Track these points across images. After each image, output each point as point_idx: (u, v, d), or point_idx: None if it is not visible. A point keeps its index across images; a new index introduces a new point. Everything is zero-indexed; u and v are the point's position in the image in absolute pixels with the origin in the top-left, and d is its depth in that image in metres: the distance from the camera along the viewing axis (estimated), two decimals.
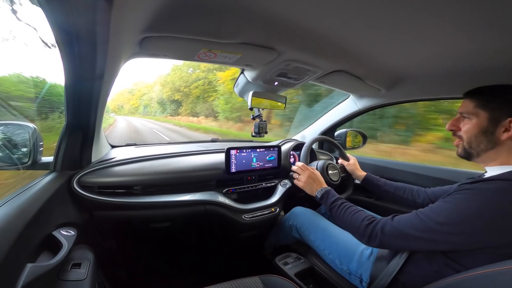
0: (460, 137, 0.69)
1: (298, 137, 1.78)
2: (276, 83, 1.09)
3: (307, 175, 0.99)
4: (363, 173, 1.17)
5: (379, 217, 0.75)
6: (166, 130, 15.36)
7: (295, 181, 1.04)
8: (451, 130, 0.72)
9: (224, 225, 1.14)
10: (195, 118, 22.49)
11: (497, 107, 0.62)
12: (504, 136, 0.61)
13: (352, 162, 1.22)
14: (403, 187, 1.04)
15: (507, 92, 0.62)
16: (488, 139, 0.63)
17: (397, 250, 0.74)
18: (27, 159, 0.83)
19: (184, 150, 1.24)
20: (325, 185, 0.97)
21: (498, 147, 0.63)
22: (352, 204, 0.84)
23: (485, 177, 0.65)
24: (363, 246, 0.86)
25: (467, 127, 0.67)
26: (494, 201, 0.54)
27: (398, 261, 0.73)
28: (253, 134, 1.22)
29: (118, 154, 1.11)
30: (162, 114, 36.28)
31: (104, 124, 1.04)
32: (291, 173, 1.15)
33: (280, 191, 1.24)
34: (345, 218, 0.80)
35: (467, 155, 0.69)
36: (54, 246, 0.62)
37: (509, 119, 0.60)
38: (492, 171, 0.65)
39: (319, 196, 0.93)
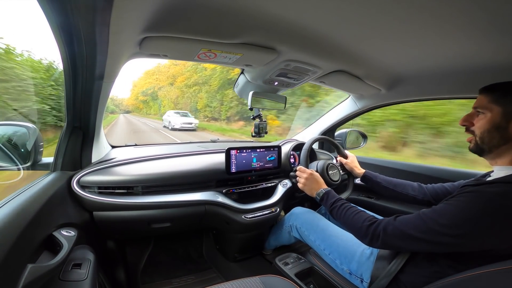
0: (472, 133, 0.69)
1: (299, 137, 1.78)
2: (276, 83, 1.09)
3: (305, 177, 1.00)
4: (362, 171, 1.17)
5: (380, 217, 0.75)
6: None
7: (298, 184, 1.05)
8: (464, 126, 0.71)
9: (224, 225, 1.14)
10: None
11: (511, 102, 0.61)
12: None
13: (350, 160, 1.22)
14: (403, 184, 1.04)
15: None
16: (501, 135, 0.62)
17: (399, 251, 0.74)
18: (27, 160, 0.83)
19: (184, 151, 1.24)
20: (325, 186, 0.97)
21: (510, 143, 0.62)
22: (353, 205, 0.84)
23: (489, 179, 0.65)
24: (363, 246, 0.86)
25: (480, 123, 0.66)
26: (497, 205, 0.54)
27: (399, 261, 0.73)
28: (253, 134, 1.22)
29: (118, 154, 1.11)
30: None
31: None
32: (291, 173, 1.16)
33: (280, 191, 1.24)
34: (346, 219, 0.80)
35: (479, 151, 0.68)
36: (54, 246, 0.62)
37: None
38: (498, 171, 0.65)
39: (318, 198, 0.93)
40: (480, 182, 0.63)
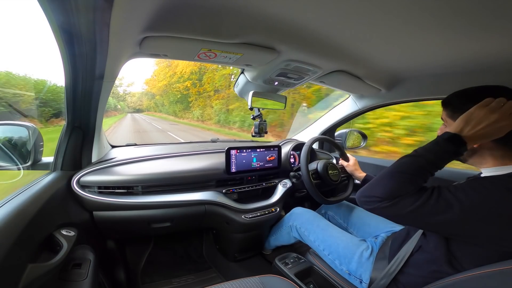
0: None
1: (299, 137, 1.78)
2: (276, 83, 1.09)
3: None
4: (362, 174, 1.17)
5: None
6: None
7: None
8: None
9: (224, 225, 1.14)
10: None
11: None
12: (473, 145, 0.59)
13: (352, 163, 1.22)
14: None
15: (468, 101, 0.60)
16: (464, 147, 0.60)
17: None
18: (27, 159, 0.83)
19: (184, 150, 1.24)
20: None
21: (479, 152, 0.62)
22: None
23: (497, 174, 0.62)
24: (363, 247, 0.86)
25: None
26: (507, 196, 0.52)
27: (398, 262, 0.73)
28: (253, 134, 1.22)
29: (119, 154, 1.12)
30: None
31: None
32: (291, 173, 1.16)
33: (280, 191, 1.24)
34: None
35: (458, 159, 0.67)
36: (54, 246, 0.62)
37: None
38: (486, 174, 0.63)
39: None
40: (489, 176, 0.60)
